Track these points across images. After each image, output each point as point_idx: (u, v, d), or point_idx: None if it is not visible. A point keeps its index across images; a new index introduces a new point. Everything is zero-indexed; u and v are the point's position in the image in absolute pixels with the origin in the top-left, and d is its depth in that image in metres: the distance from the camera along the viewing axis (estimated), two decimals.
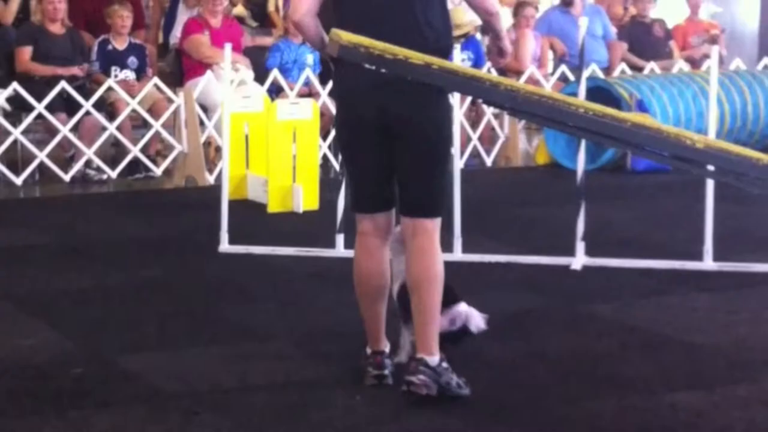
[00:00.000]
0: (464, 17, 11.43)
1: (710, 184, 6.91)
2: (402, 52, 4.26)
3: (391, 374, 4.90)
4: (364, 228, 4.87)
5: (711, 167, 5.29)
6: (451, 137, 4.87)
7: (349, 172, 4.93)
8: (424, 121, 4.67)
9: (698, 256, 6.91)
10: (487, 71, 9.51)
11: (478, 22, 11.35)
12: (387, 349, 4.99)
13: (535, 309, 6.10)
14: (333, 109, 10.19)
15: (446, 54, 4.69)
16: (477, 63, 11.64)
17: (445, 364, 4.72)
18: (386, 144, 4.73)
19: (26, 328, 5.80)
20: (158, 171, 10.33)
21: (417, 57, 4.27)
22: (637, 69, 12.48)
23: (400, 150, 4.72)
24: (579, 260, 6.98)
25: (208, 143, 10.42)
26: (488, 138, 11.56)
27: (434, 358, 4.69)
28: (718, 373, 5.11)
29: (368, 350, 4.97)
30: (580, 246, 7.02)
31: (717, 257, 6.90)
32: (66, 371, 5.12)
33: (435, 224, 4.77)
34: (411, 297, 4.77)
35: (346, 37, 4.24)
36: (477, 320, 5.00)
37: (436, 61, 4.32)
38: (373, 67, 4.36)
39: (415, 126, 4.67)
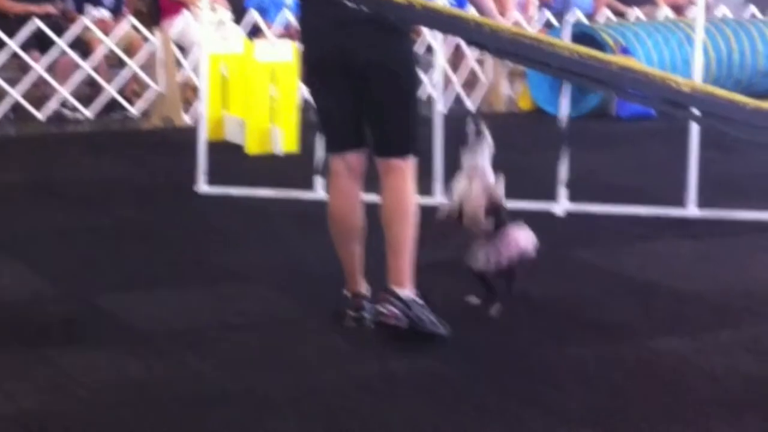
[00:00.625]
0: None
1: (695, 131, 6.85)
2: None
3: (370, 316, 4.83)
4: (336, 168, 4.86)
5: (697, 111, 5.23)
6: (415, 76, 4.81)
7: (318, 112, 4.92)
8: (385, 61, 4.66)
9: (682, 202, 6.87)
10: None
11: None
12: (366, 291, 4.92)
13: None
14: None
15: None
16: (460, 6, 11.51)
17: (419, 300, 4.70)
18: (350, 84, 4.71)
19: (1, 266, 5.72)
20: (135, 111, 10.20)
21: None
22: (620, 15, 12.38)
23: (364, 90, 4.71)
24: (562, 206, 6.93)
25: (185, 84, 10.28)
26: (471, 83, 11.45)
27: (405, 291, 4.69)
28: (702, 319, 5.08)
29: (347, 292, 4.92)
30: (563, 192, 6.95)
31: (701, 204, 6.86)
32: (42, 310, 5.06)
33: (407, 163, 4.77)
34: (385, 232, 4.77)
35: None
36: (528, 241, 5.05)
37: (419, 0, 4.22)
38: (355, 6, 4.29)
39: (376, 66, 4.66)
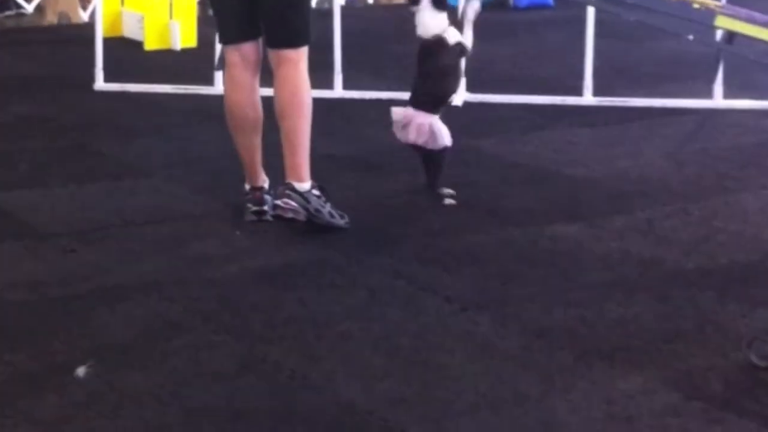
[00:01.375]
0: None
1: (590, 20, 6.90)
2: None
3: (270, 210, 4.86)
4: (231, 59, 4.83)
5: None
6: None
7: (212, 3, 4.93)
8: None
9: (578, 91, 6.94)
10: None
11: None
12: (266, 184, 4.93)
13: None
14: None
15: None
16: None
17: (316, 192, 4.73)
18: None
19: None
20: (29, 8, 9.98)
21: None
22: None
23: None
24: (460, 96, 6.93)
25: None
26: None
27: (303, 185, 4.72)
28: (597, 205, 5.18)
29: (246, 186, 4.92)
30: (462, 82, 6.97)
31: (597, 92, 6.93)
32: None
33: (299, 54, 4.76)
34: (280, 124, 4.77)
35: None
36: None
37: None
38: None
39: None
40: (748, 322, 3.97)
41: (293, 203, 4.70)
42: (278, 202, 4.75)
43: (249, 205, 4.88)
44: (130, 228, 4.82)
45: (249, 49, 4.80)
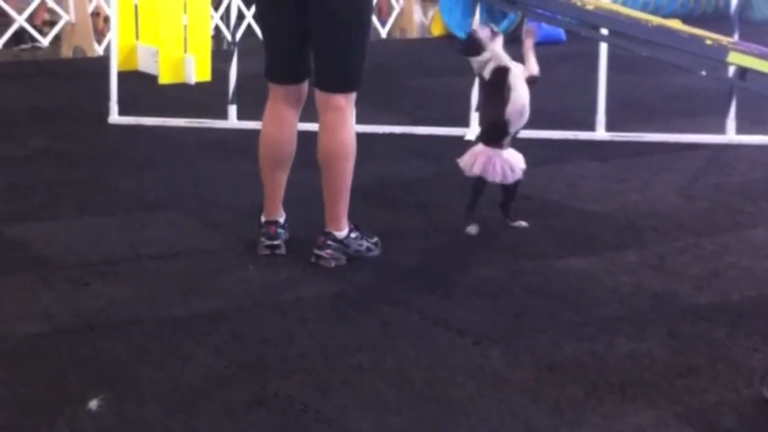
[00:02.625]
0: None
1: (603, 55, 6.94)
2: None
3: (284, 244, 4.88)
4: (276, 95, 4.82)
5: (604, 31, 5.31)
6: (369, 14, 4.80)
7: (265, 40, 4.85)
8: None
9: (591, 126, 6.96)
10: None
11: None
12: (281, 219, 4.94)
13: (429, 178, 6.12)
14: None
15: None
16: None
17: (353, 234, 4.79)
18: (303, 16, 4.66)
19: None
20: (45, 42, 10.07)
21: None
22: None
23: (319, 19, 4.65)
24: (473, 131, 6.98)
25: (96, 13, 10.16)
26: (383, 9, 11.45)
27: (342, 232, 4.75)
28: (608, 239, 5.19)
29: (263, 218, 4.93)
30: (475, 116, 7.01)
31: (609, 127, 6.96)
32: None
33: (348, 99, 4.73)
34: (322, 172, 4.77)
35: None
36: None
37: None
38: None
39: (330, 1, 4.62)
40: (761, 357, 3.96)
41: (334, 252, 4.75)
42: (321, 252, 4.75)
43: (263, 239, 4.89)
44: (144, 261, 4.84)
45: (296, 89, 4.80)
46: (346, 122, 4.73)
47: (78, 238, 5.10)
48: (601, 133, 6.96)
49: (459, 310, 4.35)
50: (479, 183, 5.21)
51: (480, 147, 5.22)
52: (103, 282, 4.59)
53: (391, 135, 6.98)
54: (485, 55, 5.23)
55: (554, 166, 6.36)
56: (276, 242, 4.87)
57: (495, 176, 5.17)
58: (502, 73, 5.20)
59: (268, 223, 4.90)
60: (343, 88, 4.72)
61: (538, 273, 4.75)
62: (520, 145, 6.70)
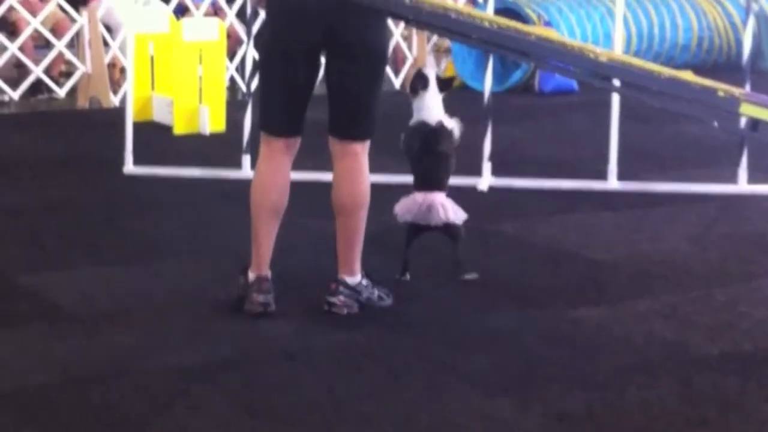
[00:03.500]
0: None
1: (615, 104, 6.96)
2: None
3: (274, 300, 4.77)
4: (275, 148, 4.75)
5: (616, 82, 5.34)
6: (386, 61, 4.81)
7: (271, 92, 4.73)
8: (368, 41, 4.62)
9: (603, 175, 6.98)
10: None
11: None
12: (270, 274, 4.80)
13: (439, 227, 6.10)
14: (239, 30, 10.13)
15: None
16: None
17: (365, 281, 4.78)
18: (316, 67, 4.67)
19: None
20: (61, 92, 10.15)
21: None
22: None
23: (338, 67, 4.64)
24: (485, 180, 7.01)
25: (112, 64, 10.24)
26: (397, 59, 11.50)
27: (355, 278, 4.76)
28: (620, 289, 5.19)
29: (251, 276, 4.78)
30: (487, 166, 7.04)
31: (621, 177, 6.97)
32: None
33: (364, 146, 4.75)
34: (336, 218, 4.77)
35: None
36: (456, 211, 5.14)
37: None
38: None
39: (359, 47, 4.61)
40: None
41: (347, 299, 4.74)
42: (333, 299, 4.74)
43: (254, 295, 4.74)
44: (156, 310, 4.85)
45: (295, 141, 4.78)
46: (364, 169, 4.74)
47: (90, 287, 5.12)
48: (613, 182, 6.97)
49: (469, 359, 4.34)
50: (410, 228, 5.21)
51: (429, 194, 5.20)
52: (114, 330, 4.61)
53: (404, 185, 6.98)
54: (417, 100, 5.22)
55: (566, 216, 6.37)
56: (269, 298, 4.75)
57: (425, 219, 5.16)
58: (443, 126, 5.24)
59: (260, 279, 4.76)
60: (363, 136, 4.74)
61: (549, 322, 4.75)
62: (533, 194, 6.78)
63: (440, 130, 5.24)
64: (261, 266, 4.78)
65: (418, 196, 5.22)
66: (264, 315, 4.71)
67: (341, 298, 4.74)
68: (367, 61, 4.65)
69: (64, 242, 5.78)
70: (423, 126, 5.26)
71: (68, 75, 10.34)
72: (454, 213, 5.18)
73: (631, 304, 4.96)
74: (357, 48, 4.61)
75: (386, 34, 4.77)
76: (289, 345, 4.47)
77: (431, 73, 5.27)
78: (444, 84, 5.30)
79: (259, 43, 4.79)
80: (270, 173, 4.78)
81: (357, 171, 4.73)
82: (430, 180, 5.23)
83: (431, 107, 5.24)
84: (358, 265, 4.79)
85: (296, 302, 4.87)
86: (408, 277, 5.20)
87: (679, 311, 4.89)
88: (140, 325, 4.67)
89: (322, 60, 4.71)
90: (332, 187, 4.79)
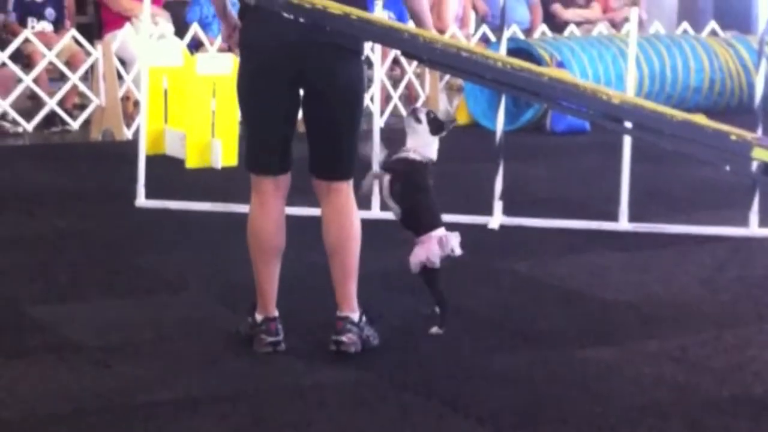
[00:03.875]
0: None
1: (627, 145, 6.98)
2: (320, 1, 4.22)
3: (283, 340, 4.75)
4: (264, 188, 4.70)
5: (628, 124, 5.34)
6: (363, 100, 4.73)
7: (253, 131, 4.70)
8: (341, 83, 4.58)
9: (614, 216, 6.98)
10: None
11: None
12: (276, 314, 4.76)
13: (450, 264, 6.11)
14: None
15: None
16: (399, 21, 11.60)
17: (364, 318, 4.75)
18: (297, 103, 4.61)
19: None
20: (75, 124, 10.19)
21: (336, 7, 4.23)
22: (560, 28, 12.56)
23: (316, 109, 4.61)
24: (496, 219, 7.02)
25: (126, 97, 10.29)
26: (409, 97, 11.54)
27: (356, 315, 4.71)
28: (630, 330, 5.18)
29: (258, 317, 4.75)
30: (498, 205, 7.05)
31: (632, 218, 6.97)
32: None
33: (349, 183, 4.72)
34: (329, 257, 4.73)
35: None
36: (456, 243, 5.03)
37: (355, 11, 4.28)
38: (291, 16, 4.27)
39: (332, 87, 4.56)
40: None
41: (354, 336, 4.66)
42: (342, 338, 4.65)
43: (263, 336, 4.71)
44: (166, 343, 4.86)
45: (285, 179, 4.71)
46: (350, 206, 4.70)
47: (101, 319, 5.13)
48: (624, 223, 6.97)
49: (479, 397, 4.34)
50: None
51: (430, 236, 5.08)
52: (124, 363, 4.61)
53: None
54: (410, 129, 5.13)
55: (577, 256, 6.37)
56: (278, 338, 4.72)
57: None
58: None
59: (268, 319, 4.73)
60: (346, 176, 4.70)
61: (560, 362, 4.75)
62: (544, 234, 6.78)
63: (428, 166, 5.13)
64: (267, 307, 4.75)
65: (437, 234, 5.09)
66: (274, 353, 4.71)
67: (349, 335, 4.67)
68: (342, 101, 4.60)
69: (75, 275, 5.80)
70: (412, 164, 5.10)
71: (82, 107, 10.39)
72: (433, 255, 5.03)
73: (641, 346, 4.96)
74: (330, 88, 4.57)
75: (361, 73, 4.66)
76: (299, 381, 4.47)
77: (423, 112, 5.20)
78: (436, 127, 5.15)
79: (237, 81, 4.68)
80: (262, 217, 4.73)
81: (344, 209, 4.69)
82: (428, 221, 5.11)
83: (430, 143, 5.15)
84: (355, 300, 4.73)
85: (305, 338, 4.86)
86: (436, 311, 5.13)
87: (690, 353, 4.89)
88: (150, 358, 4.68)
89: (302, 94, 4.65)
90: (322, 228, 4.72)
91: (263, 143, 4.68)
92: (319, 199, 4.75)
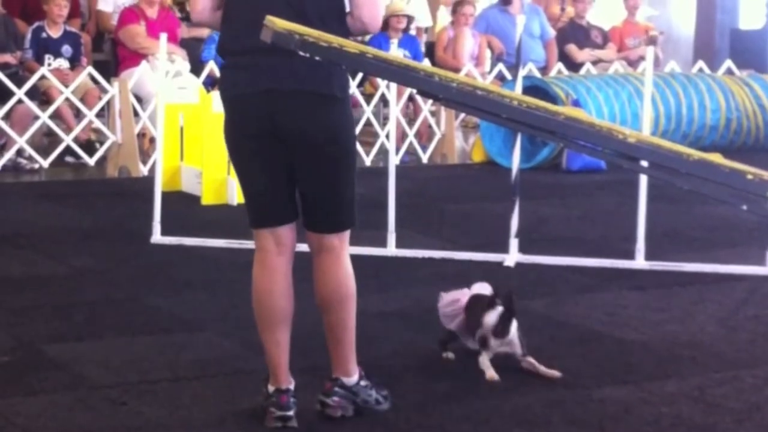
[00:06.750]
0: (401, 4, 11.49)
1: (643, 184, 6.97)
2: (336, 40, 4.22)
3: (295, 415, 4.40)
4: (264, 244, 4.40)
5: (644, 163, 5.34)
6: (352, 146, 4.41)
7: (241, 181, 4.45)
8: (317, 131, 4.26)
9: (630, 254, 6.96)
10: None
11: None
12: (292, 386, 4.43)
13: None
14: None
15: None
16: (415, 59, 11.64)
17: (363, 382, 4.49)
18: (281, 152, 4.29)
19: None
20: (91, 161, 10.23)
21: (352, 46, 4.24)
22: (575, 66, 12.59)
23: (297, 161, 4.30)
24: (512, 257, 7.01)
25: (142, 134, 10.34)
26: (425, 135, 11.57)
27: (351, 378, 4.46)
28: (647, 369, 5.15)
29: (270, 388, 4.42)
30: (514, 243, 7.04)
31: (649, 256, 6.96)
32: None
33: (341, 238, 4.40)
34: (322, 316, 4.48)
35: (281, 24, 4.20)
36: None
37: (370, 50, 4.29)
38: (307, 54, 4.24)
39: (307, 136, 4.26)
40: None
41: (341, 400, 4.41)
42: (327, 400, 4.41)
43: (272, 409, 4.36)
44: (181, 382, 4.85)
45: (285, 232, 4.39)
46: (341, 263, 4.39)
47: (117, 358, 5.13)
48: (640, 262, 6.95)
49: None
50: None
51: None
52: (140, 402, 4.60)
53: (431, 260, 7.00)
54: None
55: (593, 295, 6.35)
56: (289, 413, 4.36)
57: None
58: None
59: (279, 391, 4.38)
60: (337, 228, 4.39)
61: (577, 402, 4.72)
62: (560, 272, 6.78)
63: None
64: (278, 378, 4.41)
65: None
66: (283, 429, 4.36)
67: (335, 398, 4.41)
68: (319, 152, 4.28)
69: (92, 313, 5.80)
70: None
71: (99, 143, 10.43)
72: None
73: (658, 385, 4.93)
74: (304, 138, 4.26)
75: (344, 118, 4.33)
76: (311, 424, 4.41)
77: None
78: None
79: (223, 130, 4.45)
80: (263, 278, 4.42)
81: (336, 265, 4.38)
82: None
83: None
84: (353, 365, 4.47)
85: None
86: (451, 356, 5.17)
87: (707, 393, 4.86)
88: (165, 397, 4.67)
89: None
90: (314, 284, 4.43)
91: (252, 194, 4.42)
92: (311, 253, 4.45)
